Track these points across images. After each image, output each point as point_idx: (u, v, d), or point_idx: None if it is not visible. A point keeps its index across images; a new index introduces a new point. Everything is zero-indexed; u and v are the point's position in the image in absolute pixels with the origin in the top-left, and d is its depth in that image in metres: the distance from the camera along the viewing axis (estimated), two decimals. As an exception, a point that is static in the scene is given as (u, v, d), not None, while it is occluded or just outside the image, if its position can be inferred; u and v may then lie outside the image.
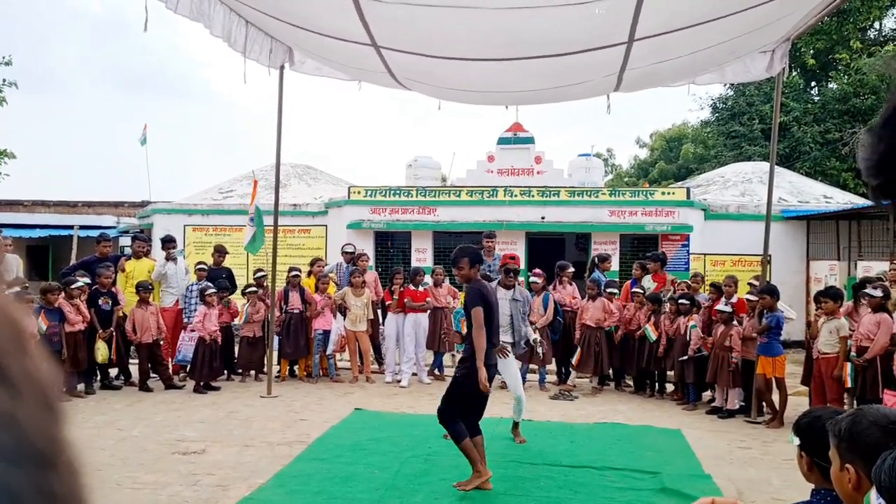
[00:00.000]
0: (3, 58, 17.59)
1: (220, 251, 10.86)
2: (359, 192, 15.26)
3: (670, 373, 9.31)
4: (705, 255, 14.46)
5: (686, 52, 6.47)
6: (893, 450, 1.34)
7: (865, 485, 1.67)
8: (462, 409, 5.57)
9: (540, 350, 9.19)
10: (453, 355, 11.23)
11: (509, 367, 6.85)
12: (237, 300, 10.52)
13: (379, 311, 10.93)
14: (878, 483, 1.32)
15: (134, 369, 9.68)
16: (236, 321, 10.31)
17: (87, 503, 0.24)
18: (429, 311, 10.23)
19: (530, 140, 16.12)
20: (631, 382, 10.02)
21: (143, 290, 9.43)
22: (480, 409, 5.72)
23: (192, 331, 9.65)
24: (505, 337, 6.78)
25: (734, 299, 8.75)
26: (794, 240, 14.44)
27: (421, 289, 10.22)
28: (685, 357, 8.78)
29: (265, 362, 9.63)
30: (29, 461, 0.23)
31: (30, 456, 0.23)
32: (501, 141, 16.18)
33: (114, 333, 9.27)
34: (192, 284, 10.14)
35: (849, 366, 7.47)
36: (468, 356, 5.60)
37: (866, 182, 0.58)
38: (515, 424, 7.10)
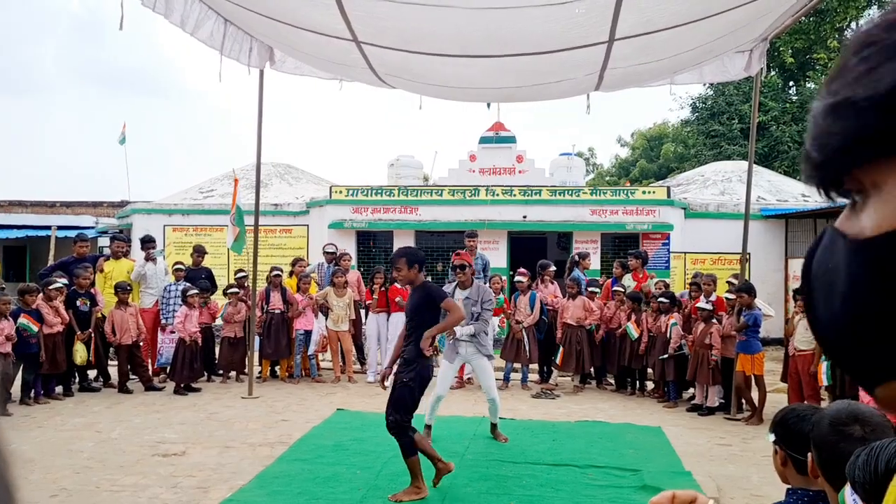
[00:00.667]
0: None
1: (198, 251, 10.79)
2: (340, 192, 15.21)
3: (651, 371, 9.37)
4: (686, 253, 14.57)
5: (668, 55, 6.52)
6: (866, 445, 1.36)
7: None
8: (412, 415, 5.43)
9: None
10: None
11: (485, 369, 6.85)
12: (218, 300, 10.46)
13: (362, 311, 10.90)
14: (851, 479, 1.34)
15: (113, 371, 9.59)
16: (217, 321, 10.25)
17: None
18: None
19: (512, 139, 16.16)
20: (612, 381, 10.08)
21: (122, 290, 9.34)
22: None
23: (172, 332, 9.58)
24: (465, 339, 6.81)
25: (713, 297, 8.82)
26: (773, 238, 14.59)
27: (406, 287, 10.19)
28: (665, 355, 8.85)
29: (246, 363, 9.58)
30: None
31: None
32: (483, 140, 16.20)
33: (92, 335, 9.18)
34: (170, 285, 10.06)
35: (825, 363, 7.55)
36: (413, 357, 5.41)
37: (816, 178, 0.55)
38: (493, 426, 7.09)
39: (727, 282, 9.75)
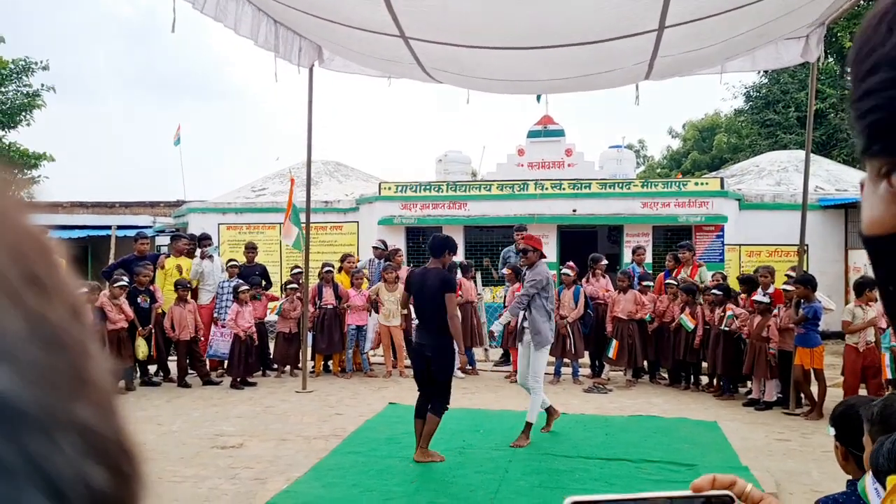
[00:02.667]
0: (41, 62, 17.97)
1: (251, 248, 11.02)
2: (389, 188, 15.32)
3: (706, 364, 9.21)
4: (740, 245, 14.26)
5: (718, 40, 6.39)
6: (892, 434, 1.32)
7: None
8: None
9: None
10: (486, 349, 11.26)
11: (538, 358, 6.75)
12: (275, 294, 10.66)
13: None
14: (875, 467, 1.31)
15: (172, 366, 9.85)
16: (271, 316, 10.44)
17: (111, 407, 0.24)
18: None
19: (561, 133, 16.04)
20: (666, 375, 9.94)
21: (183, 287, 9.59)
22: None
23: (223, 326, 9.80)
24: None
25: (771, 290, 8.63)
26: (832, 229, 14.17)
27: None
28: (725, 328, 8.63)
29: (300, 358, 9.74)
30: (56, 349, 0.22)
31: (58, 346, 0.23)
32: (531, 134, 16.12)
33: (153, 331, 9.44)
34: (224, 281, 10.25)
35: (888, 356, 7.33)
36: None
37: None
38: (528, 424, 6.70)
39: (786, 274, 9.53)
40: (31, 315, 0.22)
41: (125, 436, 0.25)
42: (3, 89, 17.59)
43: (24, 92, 17.91)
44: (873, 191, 0.51)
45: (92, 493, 0.22)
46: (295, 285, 10.29)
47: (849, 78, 0.51)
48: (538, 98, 11.33)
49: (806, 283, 8.01)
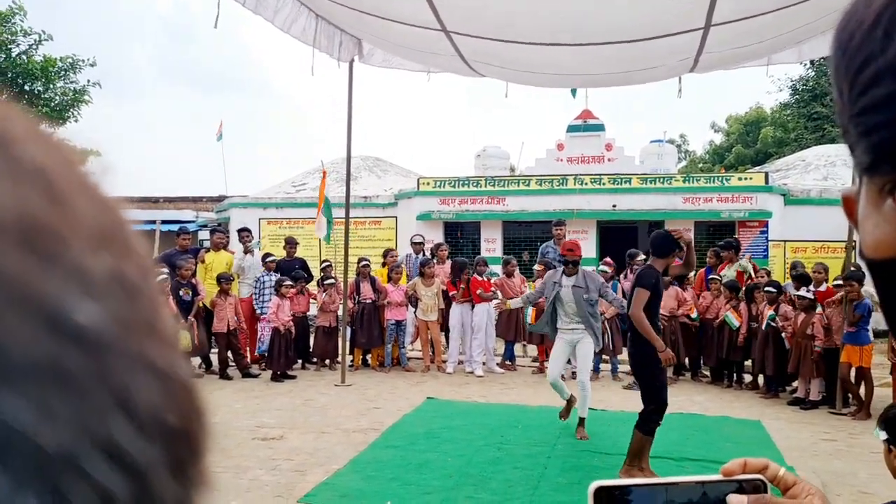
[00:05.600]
0: (88, 59, 18.36)
1: (290, 242, 11.13)
2: (428, 184, 15.33)
3: (750, 363, 9.04)
4: (785, 241, 13.96)
5: (767, 37, 6.24)
6: None
7: None
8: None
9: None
10: (524, 345, 11.20)
11: (584, 350, 6.67)
12: (313, 289, 10.76)
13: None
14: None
15: (214, 358, 10.00)
16: (311, 311, 10.53)
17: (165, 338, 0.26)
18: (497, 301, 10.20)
19: (600, 127, 15.88)
20: (707, 373, 9.78)
21: (226, 281, 9.72)
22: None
23: (267, 321, 9.92)
24: (574, 325, 6.65)
25: (823, 287, 8.43)
26: (881, 225, 13.78)
27: (485, 279, 10.19)
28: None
29: (339, 352, 9.81)
30: (134, 296, 0.25)
31: (135, 293, 0.25)
32: (571, 129, 15.99)
33: (194, 323, 9.59)
34: (263, 275, 10.33)
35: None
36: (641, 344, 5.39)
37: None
38: (581, 420, 6.74)
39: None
40: (113, 262, 0.24)
41: (194, 387, 0.28)
42: (52, 87, 18.00)
43: (72, 89, 18.31)
44: (875, 209, 0.47)
45: (163, 427, 0.24)
46: (331, 280, 10.36)
47: (835, 88, 0.48)
48: (573, 92, 11.20)
49: (857, 280, 7.81)
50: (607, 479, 0.71)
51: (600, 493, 0.71)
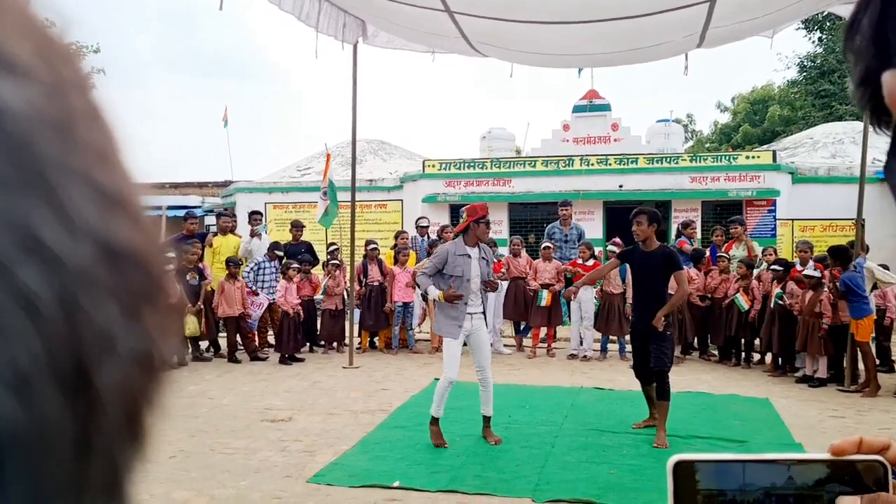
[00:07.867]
0: (92, 46, 18.32)
1: (296, 226, 11.12)
2: (433, 166, 15.29)
3: (758, 341, 9.02)
4: (793, 220, 13.90)
5: (774, 9, 6.17)
6: None
7: None
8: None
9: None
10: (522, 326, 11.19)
11: (484, 338, 5.97)
12: (318, 273, 10.75)
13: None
14: None
15: (223, 342, 10.04)
16: (318, 294, 10.54)
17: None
18: (508, 282, 10.18)
19: (606, 107, 15.79)
20: (715, 351, 9.77)
21: (234, 265, 9.72)
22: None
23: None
24: (475, 307, 5.82)
25: (810, 265, 8.39)
26: (890, 202, 13.66)
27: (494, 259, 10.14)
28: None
29: (345, 334, 9.83)
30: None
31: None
32: (577, 109, 15.90)
33: (202, 307, 9.62)
34: (264, 260, 10.19)
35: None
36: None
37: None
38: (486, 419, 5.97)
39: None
40: (37, 50, 0.23)
41: (152, 231, 0.27)
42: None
43: (76, 76, 18.28)
44: None
45: (105, 246, 0.23)
46: (336, 262, 10.36)
47: (855, 60, 0.46)
48: (579, 72, 11.11)
49: (834, 255, 7.74)
50: (687, 454, 0.63)
51: (679, 467, 0.64)
